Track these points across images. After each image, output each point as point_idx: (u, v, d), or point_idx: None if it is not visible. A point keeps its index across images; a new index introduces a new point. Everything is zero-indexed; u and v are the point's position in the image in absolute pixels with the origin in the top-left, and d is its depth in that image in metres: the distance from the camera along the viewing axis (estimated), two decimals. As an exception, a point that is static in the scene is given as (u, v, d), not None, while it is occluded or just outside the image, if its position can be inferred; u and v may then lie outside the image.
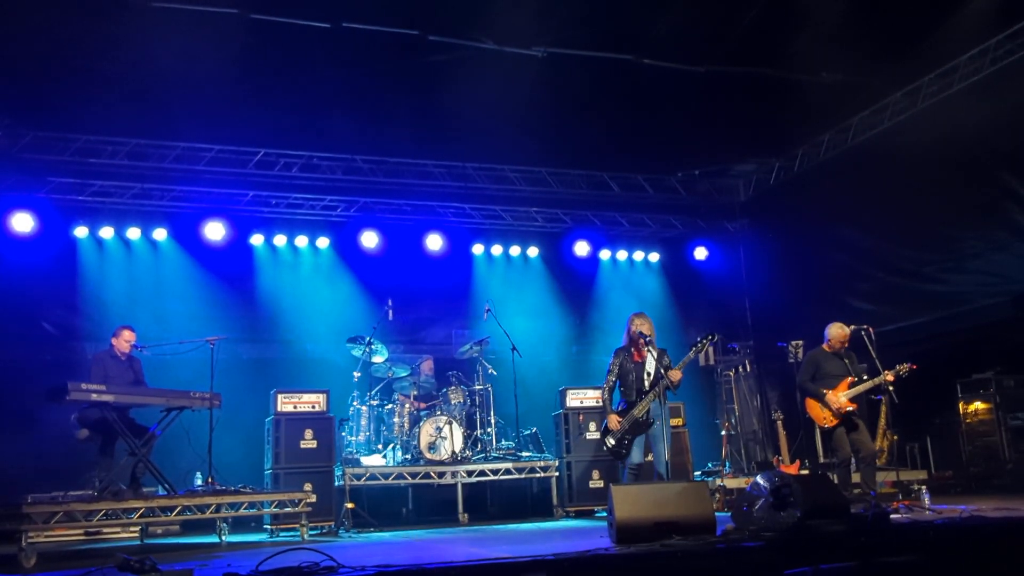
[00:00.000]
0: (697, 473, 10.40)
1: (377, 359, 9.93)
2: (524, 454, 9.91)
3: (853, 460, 7.91)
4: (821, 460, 10.05)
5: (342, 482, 8.79)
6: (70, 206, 10.49)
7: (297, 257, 11.67)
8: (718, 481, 9.48)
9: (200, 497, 7.17)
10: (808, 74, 9.50)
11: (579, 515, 9.49)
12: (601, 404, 7.52)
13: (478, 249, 12.43)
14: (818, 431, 10.05)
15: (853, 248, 11.15)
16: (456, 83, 9.38)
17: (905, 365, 7.64)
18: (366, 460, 9.23)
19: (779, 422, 9.92)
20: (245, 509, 7.45)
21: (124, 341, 7.86)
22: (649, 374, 7.22)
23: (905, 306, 10.46)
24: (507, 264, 12.69)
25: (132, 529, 8.07)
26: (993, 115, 9.02)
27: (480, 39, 8.67)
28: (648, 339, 7.21)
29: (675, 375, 7.04)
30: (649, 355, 7.26)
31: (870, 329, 8.02)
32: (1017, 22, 8.78)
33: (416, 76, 9.32)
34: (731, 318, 12.95)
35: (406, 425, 9.59)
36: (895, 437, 9.91)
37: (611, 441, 7.22)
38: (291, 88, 9.36)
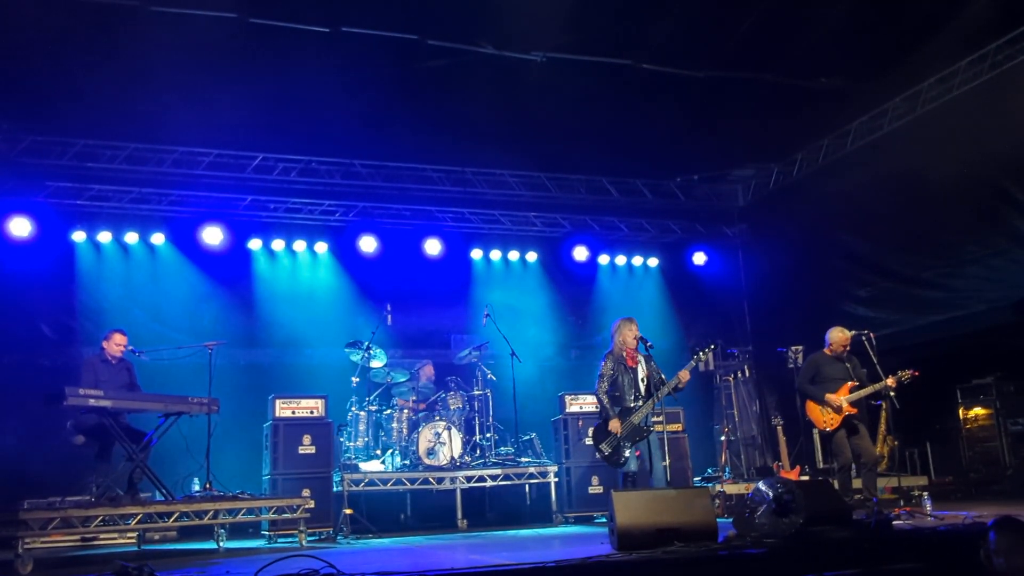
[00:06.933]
0: (696, 479, 10.39)
1: (376, 364, 9.91)
2: (523, 459, 9.88)
3: (854, 465, 7.89)
4: (820, 466, 10.03)
5: (340, 488, 8.76)
6: (68, 210, 10.44)
7: (295, 262, 11.63)
8: (718, 487, 9.47)
9: (198, 503, 7.14)
10: (807, 79, 9.50)
11: (578, 521, 9.47)
12: (598, 410, 7.45)
13: (477, 254, 12.39)
14: (817, 436, 10.04)
15: (852, 253, 11.14)
16: (455, 88, 9.38)
17: (907, 371, 7.61)
18: (364, 466, 9.19)
19: (779, 427, 9.91)
20: (243, 515, 7.44)
21: (115, 345, 7.82)
22: (643, 380, 7.21)
23: (904, 311, 10.45)
24: (506, 269, 12.66)
25: (129, 535, 8.02)
26: (992, 120, 9.01)
27: (479, 44, 8.65)
28: (635, 346, 7.25)
29: (684, 375, 7.10)
30: (641, 360, 7.27)
31: (871, 335, 8.01)
32: (1016, 27, 8.78)
33: (415, 80, 9.29)
34: (730, 323, 12.93)
35: (405, 431, 9.55)
36: (895, 443, 9.89)
37: (607, 448, 7.16)
38: (290, 92, 9.33)
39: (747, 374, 12.10)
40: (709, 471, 10.94)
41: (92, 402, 6.86)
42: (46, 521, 6.22)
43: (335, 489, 8.84)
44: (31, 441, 8.98)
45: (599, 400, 7.33)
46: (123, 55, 8.29)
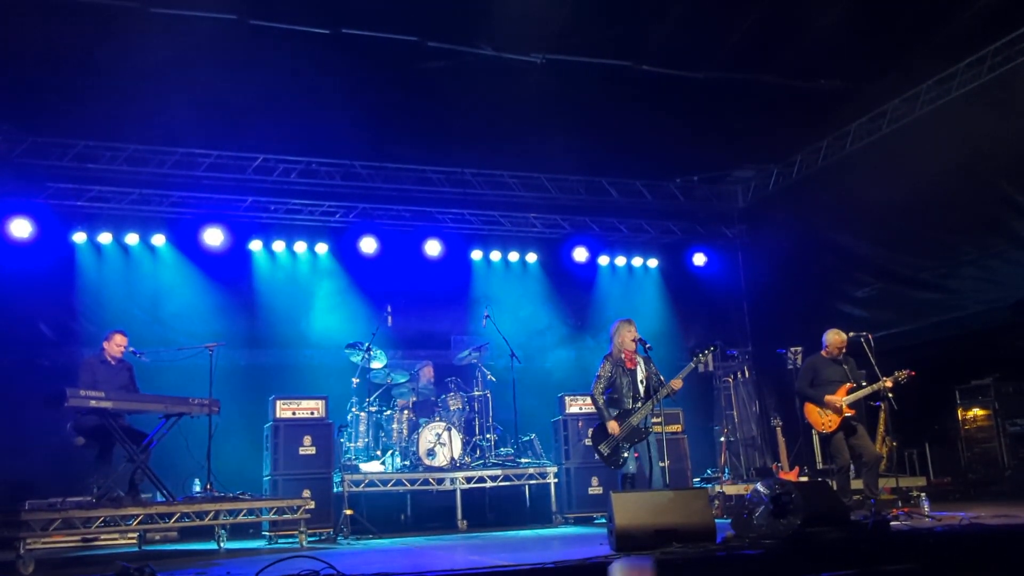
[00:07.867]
0: (696, 479, 10.40)
1: (376, 365, 9.93)
2: (523, 460, 9.90)
3: (853, 466, 7.90)
4: (819, 467, 10.04)
5: (341, 488, 8.78)
6: (68, 212, 10.46)
7: (296, 263, 11.65)
8: (717, 488, 9.48)
9: (199, 504, 7.15)
10: (806, 80, 9.52)
11: (578, 522, 9.48)
12: (596, 411, 7.47)
13: (477, 255, 12.42)
14: (816, 437, 10.05)
15: (851, 254, 11.15)
16: (455, 89, 9.40)
17: (904, 372, 7.64)
18: (365, 466, 9.21)
19: (778, 428, 9.92)
20: (244, 516, 7.45)
21: (116, 345, 7.83)
22: (642, 382, 7.22)
23: (902, 312, 10.46)
24: (506, 270, 12.67)
25: (130, 536, 8.04)
26: (991, 122, 9.03)
27: (479, 45, 8.68)
28: (634, 347, 7.26)
29: (676, 384, 7.09)
30: (640, 362, 7.28)
31: (869, 336, 8.03)
32: (1015, 29, 8.80)
33: (415, 82, 9.32)
34: (729, 324, 12.96)
35: (405, 431, 9.57)
36: (894, 444, 9.90)
37: (606, 449, 7.18)
38: (290, 94, 9.37)
39: (746, 375, 12.12)
40: (708, 472, 10.96)
41: (93, 403, 6.86)
42: (47, 522, 6.24)
43: (335, 490, 8.85)
44: (31, 441, 8.99)
45: (594, 402, 7.36)
46: (123, 56, 8.30)
